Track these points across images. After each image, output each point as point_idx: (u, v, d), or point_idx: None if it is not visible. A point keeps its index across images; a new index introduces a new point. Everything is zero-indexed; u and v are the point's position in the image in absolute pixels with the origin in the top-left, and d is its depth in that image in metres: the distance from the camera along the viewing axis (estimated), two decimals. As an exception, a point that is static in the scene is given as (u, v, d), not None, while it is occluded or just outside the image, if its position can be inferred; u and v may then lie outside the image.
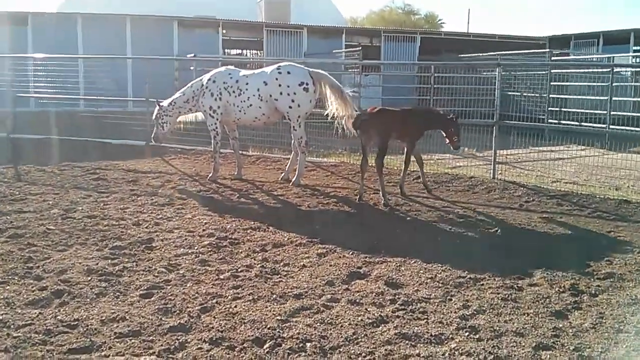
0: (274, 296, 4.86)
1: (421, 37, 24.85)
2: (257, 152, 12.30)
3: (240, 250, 6.10)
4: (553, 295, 4.97)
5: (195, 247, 6.15)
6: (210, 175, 9.83)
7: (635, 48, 22.58)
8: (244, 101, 9.24)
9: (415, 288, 5.10)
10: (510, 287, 5.13)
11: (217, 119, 9.55)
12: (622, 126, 14.90)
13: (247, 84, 9.26)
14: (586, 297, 4.97)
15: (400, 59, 23.85)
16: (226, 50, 26.85)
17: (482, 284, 5.22)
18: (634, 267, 5.66)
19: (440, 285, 5.18)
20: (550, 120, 16.34)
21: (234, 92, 9.32)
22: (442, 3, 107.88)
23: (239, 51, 30.73)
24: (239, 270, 5.49)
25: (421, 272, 5.49)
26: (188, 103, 9.88)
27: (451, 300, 4.87)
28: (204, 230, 6.79)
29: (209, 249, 6.09)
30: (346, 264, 5.67)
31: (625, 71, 18.79)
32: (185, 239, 6.45)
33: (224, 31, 23.56)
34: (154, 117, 10.16)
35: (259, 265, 5.59)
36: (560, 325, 4.38)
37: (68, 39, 19.84)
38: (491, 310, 4.66)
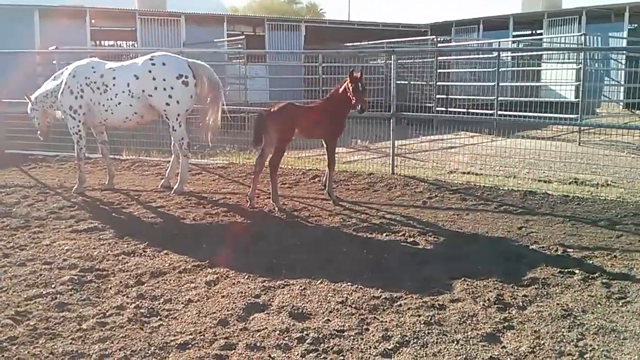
0: (152, 349, 3.84)
1: (306, 26, 24.16)
2: (132, 156, 10.90)
3: (109, 286, 4.96)
4: (479, 312, 4.37)
5: (53, 286, 4.94)
6: (75, 187, 8.42)
7: (514, 33, 23.38)
8: (111, 99, 7.94)
9: (326, 318, 4.29)
10: (431, 307, 4.47)
11: (80, 121, 8.16)
12: (507, 111, 15.10)
13: (114, 78, 7.95)
14: (515, 311, 4.42)
15: (286, 49, 23.01)
16: (97, 42, 24.59)
17: (400, 305, 4.52)
18: (555, 269, 5.22)
19: (353, 311, 4.41)
20: (437, 108, 16.31)
21: (98, 88, 7.98)
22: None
23: (112, 43, 28.39)
24: (108, 314, 4.39)
25: (330, 295, 4.70)
26: (48, 98, 8.47)
27: (368, 330, 4.12)
28: (64, 260, 5.55)
29: (70, 287, 4.90)
30: (241, 292, 4.75)
31: (506, 56, 19.25)
32: (40, 274, 5.20)
33: (93, 21, 21.42)
34: (28, 110, 8.86)
35: (133, 305, 4.50)
36: (497, 354, 3.76)
37: None
38: (415, 340, 3.95)
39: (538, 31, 25.85)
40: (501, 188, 8.33)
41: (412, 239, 6.19)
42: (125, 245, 5.99)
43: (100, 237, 6.30)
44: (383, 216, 7.09)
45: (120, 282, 5.03)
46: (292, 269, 5.26)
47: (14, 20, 18.46)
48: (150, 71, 7.82)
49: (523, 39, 23.63)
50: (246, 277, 5.09)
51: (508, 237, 6.32)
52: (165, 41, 20.75)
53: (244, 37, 19.17)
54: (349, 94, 7.23)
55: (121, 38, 26.00)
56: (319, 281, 4.97)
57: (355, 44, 22.42)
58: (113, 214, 7.27)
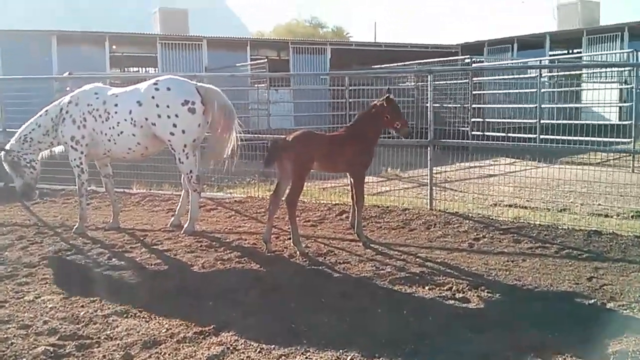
0: None
1: (331, 49, 23.39)
2: (143, 189, 10.04)
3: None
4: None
5: (24, 359, 4.00)
6: (76, 226, 7.56)
7: (551, 53, 22.21)
8: (113, 127, 7.10)
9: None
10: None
11: (83, 152, 7.31)
12: (548, 135, 13.92)
13: (116, 105, 7.12)
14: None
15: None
16: (121, 69, 24.20)
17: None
18: (648, 341, 4.08)
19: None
20: (473, 132, 15.24)
21: (100, 116, 7.15)
22: (347, 17, 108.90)
23: (137, 69, 28.03)
24: (79, 407, 3.42)
25: (364, 379, 3.65)
26: (48, 136, 7.55)
27: None
28: (45, 322, 4.62)
29: (43, 361, 3.96)
30: (251, 374, 3.74)
31: (543, 76, 18.10)
32: (12, 342, 4.27)
33: (114, 46, 20.99)
34: (6, 166, 7.72)
35: (113, 395, 3.53)
36: None
37: None
38: None
39: (575, 50, 24.69)
40: (559, 227, 7.18)
41: (461, 294, 5.11)
42: (119, 303, 5.03)
43: (92, 291, 5.36)
44: (423, 263, 6.03)
45: (105, 356, 4.07)
46: (315, 338, 4.23)
47: (32, 47, 18.04)
48: (153, 97, 6.97)
49: (562, 57, 22.44)
50: (258, 349, 4.08)
51: (577, 291, 5.19)
52: (187, 66, 20.15)
53: (266, 60, 18.42)
54: (385, 119, 6.42)
55: (141, 64, 25.56)
56: (350, 356, 3.93)
57: (382, 66, 21.54)
58: (113, 260, 6.34)
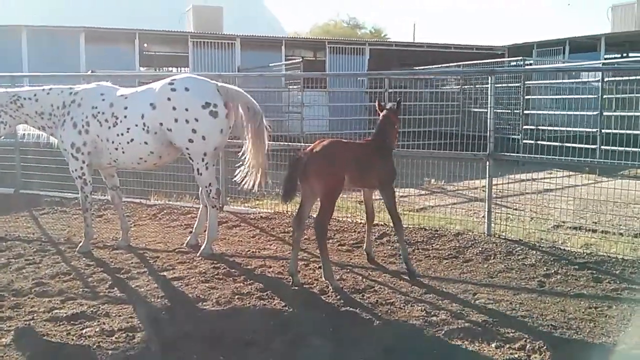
0: None
1: (370, 49, 22.27)
2: (161, 200, 9.12)
3: None
4: None
5: None
6: (80, 244, 6.66)
7: (606, 56, 20.64)
8: (122, 134, 6.16)
9: None
10: None
11: (84, 162, 6.40)
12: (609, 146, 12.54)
13: (125, 108, 6.18)
14: None
15: (348, 74, 21.16)
16: (154, 69, 23.57)
17: None
18: None
19: None
20: (525, 141, 13.95)
21: (106, 121, 6.22)
22: (385, 17, 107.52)
23: (170, 69, 27.38)
24: None
25: None
26: (42, 119, 6.48)
27: None
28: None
29: None
30: None
31: (595, 80, 16.62)
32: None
33: (145, 45, 20.32)
34: None
35: None
36: None
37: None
38: None
39: (630, 54, 23.09)
40: (650, 262, 5.95)
41: (538, 356, 3.99)
42: (110, 352, 4.08)
43: (83, 333, 4.42)
44: (485, 307, 4.90)
45: None
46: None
47: (59, 43, 17.47)
48: (169, 99, 6.01)
49: (621, 60, 20.84)
50: None
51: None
52: (219, 66, 19.34)
53: (301, 60, 17.42)
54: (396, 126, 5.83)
55: (172, 64, 24.86)
56: None
57: (423, 68, 20.33)
58: (114, 290, 5.40)
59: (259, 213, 8.19)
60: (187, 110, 5.97)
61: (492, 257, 6.23)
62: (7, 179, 9.76)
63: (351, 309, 4.86)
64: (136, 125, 6.09)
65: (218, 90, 6.12)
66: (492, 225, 6.93)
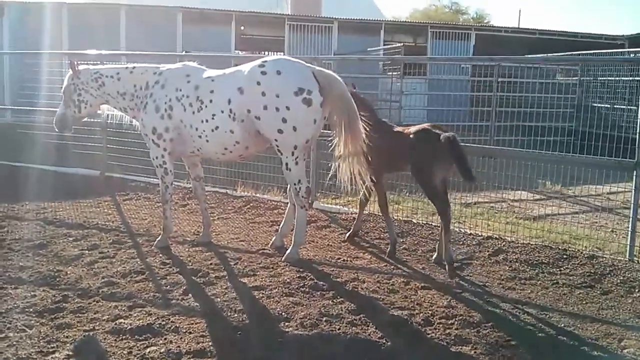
0: None
1: (476, 34, 20.73)
2: (248, 192, 8.48)
3: None
4: None
5: None
6: (158, 238, 6.14)
7: None
8: (206, 121, 5.51)
9: None
10: None
11: (166, 149, 5.84)
12: None
13: (211, 92, 5.51)
14: None
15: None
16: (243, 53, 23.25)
17: None
18: None
19: None
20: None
21: (190, 105, 5.59)
22: (489, 2, 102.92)
23: (265, 53, 27.07)
24: None
25: None
26: (124, 99, 5.96)
27: None
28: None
29: None
30: None
31: None
32: None
33: (242, 27, 19.98)
34: (62, 88, 6.16)
35: None
36: None
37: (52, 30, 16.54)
38: None
39: None
40: None
41: None
42: (171, 386, 3.42)
43: (146, 353, 3.79)
44: (635, 359, 3.82)
45: None
46: None
47: (157, 22, 17.43)
48: (259, 82, 5.27)
49: None
50: None
51: None
52: (315, 50, 18.63)
53: (402, 45, 16.33)
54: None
55: (268, 47, 24.42)
56: None
57: (533, 56, 18.60)
58: (187, 298, 4.77)
59: (351, 213, 7.34)
60: (277, 96, 5.21)
61: (637, 289, 5.04)
62: (94, 161, 9.53)
63: (463, 348, 3.93)
64: (222, 112, 5.42)
65: (314, 74, 5.31)
66: (636, 247, 5.68)
